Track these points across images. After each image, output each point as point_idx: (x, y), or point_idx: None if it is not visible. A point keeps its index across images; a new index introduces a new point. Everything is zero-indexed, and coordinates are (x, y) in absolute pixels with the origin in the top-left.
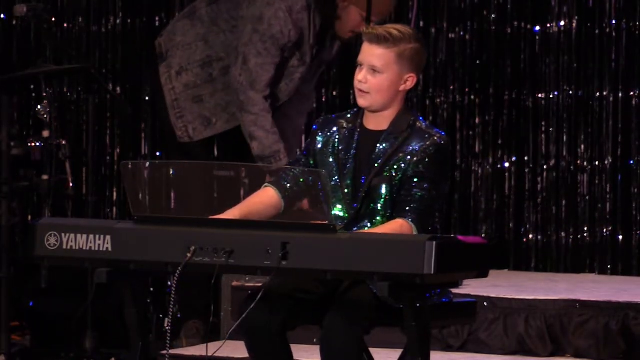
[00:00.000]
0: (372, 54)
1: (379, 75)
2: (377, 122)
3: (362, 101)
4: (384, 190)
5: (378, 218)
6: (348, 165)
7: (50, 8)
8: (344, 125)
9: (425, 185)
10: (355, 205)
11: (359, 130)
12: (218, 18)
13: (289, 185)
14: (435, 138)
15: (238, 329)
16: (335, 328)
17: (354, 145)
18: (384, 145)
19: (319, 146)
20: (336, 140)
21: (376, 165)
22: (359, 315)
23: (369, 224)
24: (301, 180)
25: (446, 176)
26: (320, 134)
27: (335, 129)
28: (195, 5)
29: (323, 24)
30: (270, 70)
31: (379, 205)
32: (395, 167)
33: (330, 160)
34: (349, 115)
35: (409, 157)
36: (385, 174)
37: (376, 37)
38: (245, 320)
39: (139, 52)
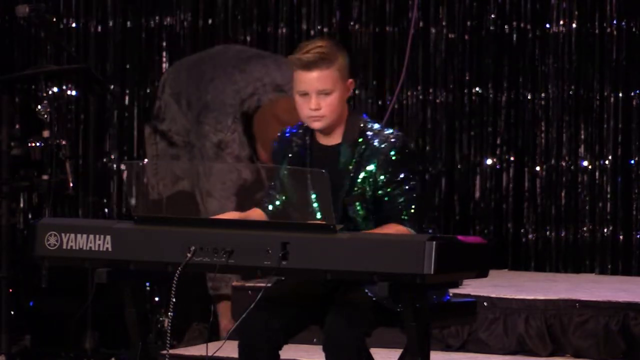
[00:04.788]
0: (316, 79)
1: (330, 97)
2: (329, 137)
3: (318, 124)
4: (358, 207)
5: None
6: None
7: (52, 7)
8: (295, 143)
9: (405, 187)
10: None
11: (310, 147)
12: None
13: (270, 207)
14: (391, 140)
15: (237, 329)
16: (337, 333)
17: (308, 164)
18: (344, 160)
19: (282, 164)
20: (291, 159)
21: (343, 183)
22: (359, 318)
23: None
24: (283, 198)
25: (416, 168)
26: (279, 151)
27: (288, 147)
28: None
29: None
30: (232, 204)
31: (359, 223)
32: (364, 184)
33: (285, 181)
34: (298, 132)
35: (373, 171)
36: (354, 192)
37: (313, 63)
38: (243, 332)
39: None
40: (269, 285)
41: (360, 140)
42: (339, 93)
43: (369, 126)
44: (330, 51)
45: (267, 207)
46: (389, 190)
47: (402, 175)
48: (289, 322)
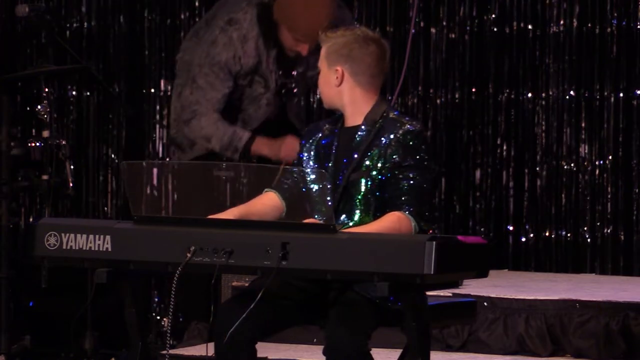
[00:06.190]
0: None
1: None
2: (354, 119)
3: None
4: (362, 184)
5: (356, 218)
6: (329, 164)
7: (53, 7)
8: (327, 128)
9: (410, 174)
10: (333, 201)
11: (338, 131)
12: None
13: (289, 187)
14: (407, 126)
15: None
16: (340, 344)
17: (335, 144)
18: (359, 138)
19: (305, 154)
20: (319, 143)
21: (353, 158)
22: (360, 325)
23: (347, 221)
24: (301, 183)
25: (427, 160)
26: (304, 142)
27: (318, 133)
28: (199, 23)
29: (280, 49)
30: (220, 90)
31: (357, 201)
32: (372, 162)
33: (311, 163)
34: (331, 120)
35: (383, 150)
36: (362, 168)
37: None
38: (219, 326)
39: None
40: (249, 283)
41: (380, 121)
42: (323, 73)
43: (392, 112)
44: (330, 34)
45: (284, 187)
46: (395, 172)
47: (410, 162)
48: (270, 318)
